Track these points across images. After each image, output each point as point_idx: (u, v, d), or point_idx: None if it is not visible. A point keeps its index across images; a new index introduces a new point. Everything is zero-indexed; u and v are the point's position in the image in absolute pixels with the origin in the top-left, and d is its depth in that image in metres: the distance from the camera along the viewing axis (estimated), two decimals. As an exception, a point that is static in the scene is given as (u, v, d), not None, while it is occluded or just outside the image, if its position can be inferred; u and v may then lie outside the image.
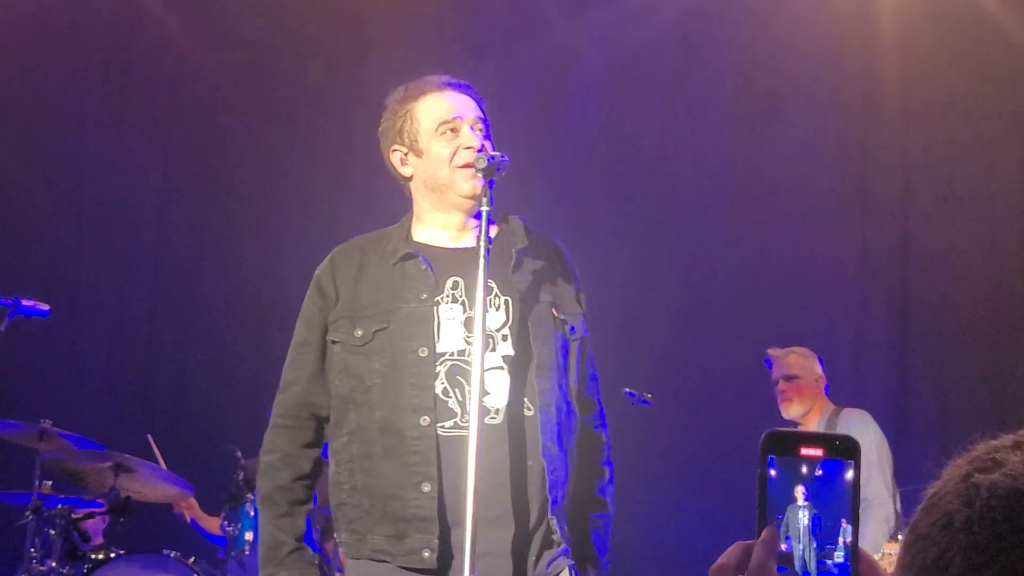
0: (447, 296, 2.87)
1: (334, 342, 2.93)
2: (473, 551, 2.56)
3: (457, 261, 2.87)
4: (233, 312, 7.82)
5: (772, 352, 5.82)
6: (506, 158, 2.82)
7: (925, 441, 6.30)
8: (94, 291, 7.75)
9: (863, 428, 5.51)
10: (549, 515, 2.77)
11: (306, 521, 2.94)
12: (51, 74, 7.82)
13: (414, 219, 3.02)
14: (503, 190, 3.02)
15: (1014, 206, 6.94)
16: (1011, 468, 0.93)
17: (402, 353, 2.83)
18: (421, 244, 2.95)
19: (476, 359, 2.67)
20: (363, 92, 7.90)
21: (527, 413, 2.79)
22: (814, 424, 5.66)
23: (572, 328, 2.91)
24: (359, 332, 2.87)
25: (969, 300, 6.91)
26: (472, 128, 2.94)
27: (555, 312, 2.88)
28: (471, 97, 3.02)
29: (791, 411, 5.71)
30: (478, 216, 2.80)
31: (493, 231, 2.92)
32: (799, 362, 5.73)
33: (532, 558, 2.77)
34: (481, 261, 2.71)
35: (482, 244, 2.72)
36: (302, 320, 3.04)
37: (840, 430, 5.53)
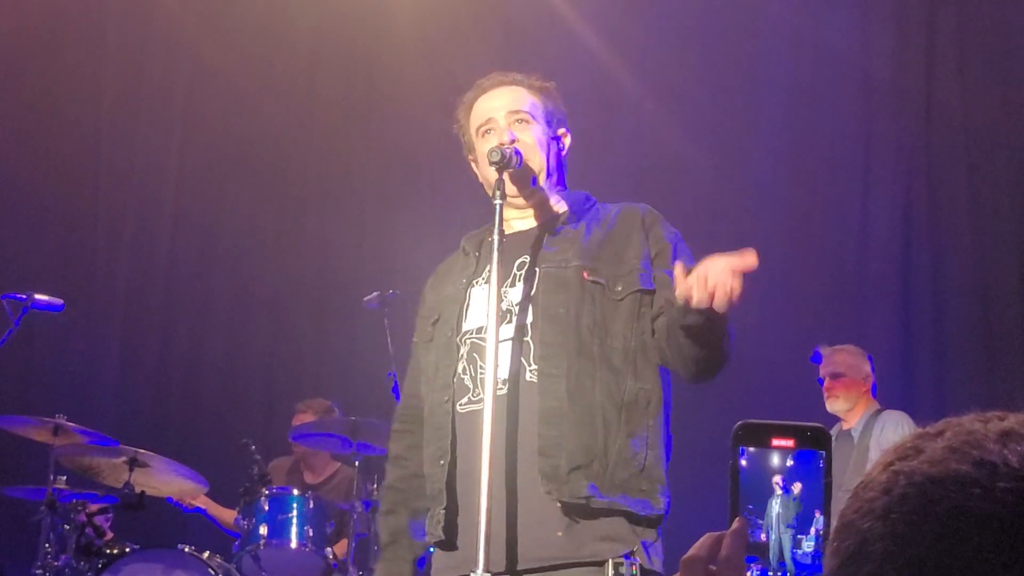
0: (482, 278, 2.94)
1: (416, 343, 3.08)
2: (488, 527, 2.56)
3: (503, 244, 2.89)
4: (247, 306, 7.83)
5: (821, 349, 5.85)
6: (519, 151, 2.87)
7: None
8: (108, 286, 7.76)
9: (897, 427, 5.50)
10: (539, 479, 2.69)
11: (416, 515, 3.00)
12: (66, 69, 7.83)
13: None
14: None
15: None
16: (930, 455, 0.94)
17: (441, 339, 2.95)
18: (489, 240, 2.99)
19: (490, 342, 2.71)
20: (378, 88, 7.92)
21: (530, 380, 2.78)
22: (855, 420, 5.67)
23: (618, 287, 2.83)
24: (427, 329, 3.03)
25: (1007, 298, 6.89)
26: (506, 126, 2.97)
27: (585, 275, 2.84)
28: (508, 88, 3.06)
29: (835, 406, 5.73)
30: (534, 205, 2.97)
31: (561, 209, 2.99)
32: (846, 360, 5.76)
33: (558, 533, 2.69)
34: (495, 255, 2.76)
35: (496, 238, 2.76)
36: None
37: (876, 428, 5.54)
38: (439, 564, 2.87)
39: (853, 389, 5.72)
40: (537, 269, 2.88)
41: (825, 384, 5.76)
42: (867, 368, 5.77)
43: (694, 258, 2.77)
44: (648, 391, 2.81)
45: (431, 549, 2.94)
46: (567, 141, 3.09)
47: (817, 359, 5.87)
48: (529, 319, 2.84)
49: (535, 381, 2.78)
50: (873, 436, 5.52)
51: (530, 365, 2.80)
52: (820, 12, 7.32)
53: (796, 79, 7.38)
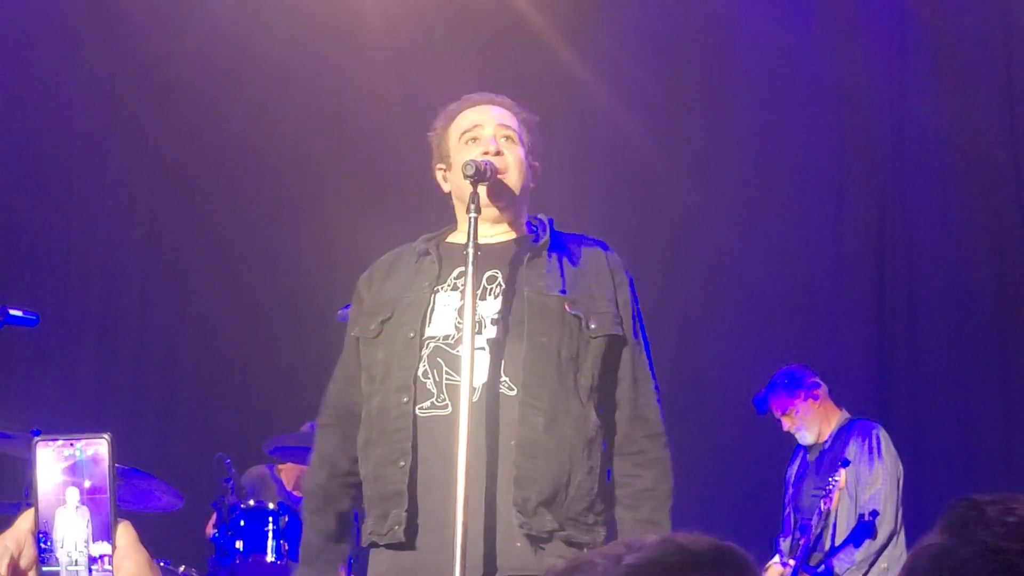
0: (448, 285, 2.94)
1: (357, 338, 3.03)
2: (464, 535, 2.58)
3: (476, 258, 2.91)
4: (223, 319, 7.81)
5: (758, 399, 5.80)
6: (493, 165, 2.89)
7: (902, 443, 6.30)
8: (83, 299, 7.73)
9: (865, 441, 5.51)
10: (513, 511, 2.73)
11: (342, 518, 3.03)
12: (38, 82, 7.80)
13: (455, 229, 3.10)
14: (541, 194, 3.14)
15: (992, 210, 7.01)
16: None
17: (396, 338, 2.91)
18: (447, 243, 3.05)
19: (466, 349, 2.71)
20: (349, 98, 7.93)
21: (508, 393, 2.80)
22: (827, 434, 5.66)
23: (592, 325, 2.88)
24: (372, 325, 2.98)
25: (944, 301, 6.96)
26: (493, 136, 3.00)
27: (567, 307, 2.87)
28: (499, 107, 3.09)
29: (804, 439, 5.73)
30: (504, 220, 3.00)
31: (531, 230, 3.03)
32: (784, 396, 5.71)
33: (516, 544, 2.74)
34: (469, 268, 2.76)
35: (470, 251, 2.77)
36: (348, 325, 3.16)
37: (850, 441, 5.54)
38: (389, 564, 2.84)
39: (806, 415, 5.68)
40: (516, 290, 2.89)
41: (783, 426, 5.76)
42: (805, 381, 5.72)
43: (639, 302, 2.99)
44: (601, 427, 2.89)
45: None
46: (537, 173, 3.12)
47: (762, 410, 5.83)
48: (501, 333, 2.85)
49: (510, 395, 2.80)
50: (845, 449, 5.54)
51: (501, 376, 2.81)
52: (791, 23, 7.36)
53: (767, 90, 7.42)
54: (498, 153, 2.95)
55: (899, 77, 7.22)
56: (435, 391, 2.83)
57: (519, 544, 2.75)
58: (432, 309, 2.91)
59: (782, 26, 7.34)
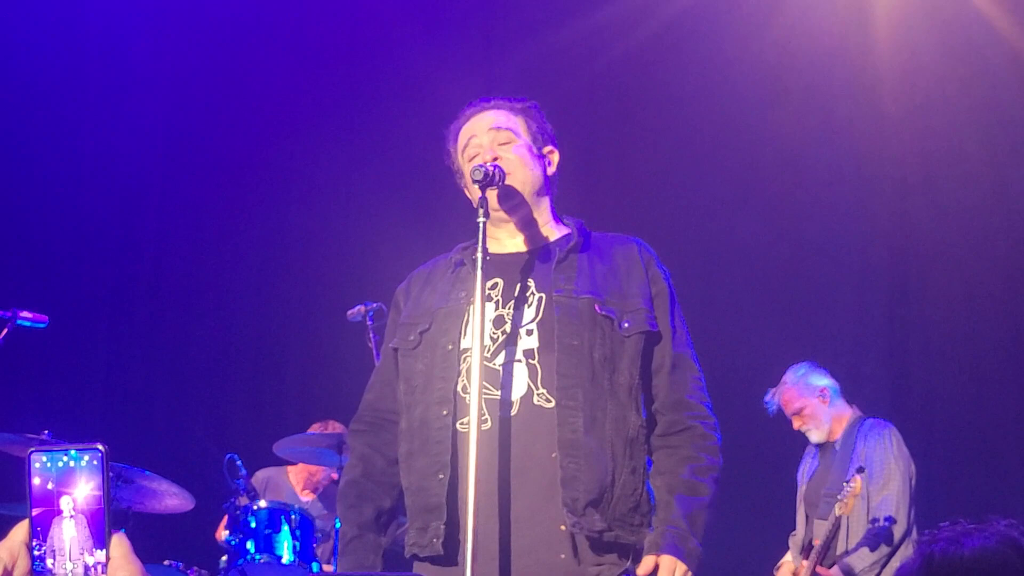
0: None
1: (395, 349, 3.03)
2: (475, 548, 2.56)
3: (500, 265, 2.95)
4: (234, 320, 7.82)
5: (768, 398, 5.80)
6: (502, 168, 2.89)
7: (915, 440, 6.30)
8: (93, 301, 7.74)
9: (881, 441, 5.49)
10: (564, 511, 2.71)
11: (378, 512, 3.00)
12: (48, 80, 7.81)
13: (491, 237, 3.09)
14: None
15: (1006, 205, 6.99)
16: None
17: (435, 349, 2.92)
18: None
19: (475, 360, 2.71)
20: (362, 98, 7.92)
21: (546, 405, 2.79)
22: (839, 433, 5.65)
23: (625, 323, 2.87)
24: (411, 336, 2.99)
25: (959, 298, 6.94)
26: (489, 146, 2.99)
27: (597, 308, 2.87)
28: (490, 111, 3.08)
29: (815, 437, 5.72)
30: (525, 223, 2.99)
31: (559, 233, 3.02)
32: (792, 393, 5.71)
33: (561, 556, 2.73)
34: (479, 273, 2.76)
35: (479, 256, 2.77)
36: (386, 336, 3.17)
37: (859, 440, 5.53)
38: None
39: (817, 413, 5.68)
40: (544, 295, 2.89)
41: (793, 425, 5.75)
42: (817, 383, 5.71)
43: (679, 303, 2.99)
44: (644, 427, 2.87)
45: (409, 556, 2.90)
46: (555, 158, 3.09)
47: (773, 409, 5.82)
48: (536, 343, 2.85)
49: (547, 407, 2.78)
50: (856, 448, 5.52)
51: (538, 389, 2.80)
52: (804, 25, 7.34)
53: (787, 88, 7.40)
54: (496, 159, 2.94)
55: (912, 73, 7.19)
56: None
57: (563, 556, 2.73)
58: (467, 321, 2.91)
59: (799, 27, 7.31)
